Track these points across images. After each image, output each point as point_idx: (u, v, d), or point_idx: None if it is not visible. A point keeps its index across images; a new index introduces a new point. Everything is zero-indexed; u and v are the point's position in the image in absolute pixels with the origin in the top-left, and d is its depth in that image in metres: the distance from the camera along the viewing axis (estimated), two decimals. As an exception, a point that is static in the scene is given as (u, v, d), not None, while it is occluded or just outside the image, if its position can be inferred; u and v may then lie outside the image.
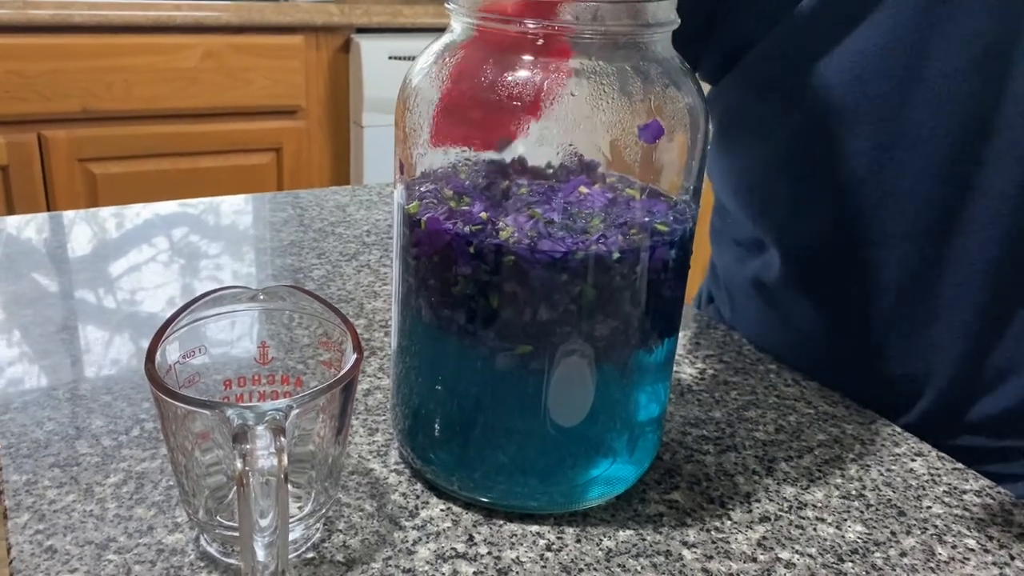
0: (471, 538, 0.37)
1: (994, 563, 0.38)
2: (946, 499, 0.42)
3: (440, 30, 0.38)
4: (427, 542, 0.37)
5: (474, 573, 0.35)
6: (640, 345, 0.37)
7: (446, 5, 0.36)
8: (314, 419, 0.35)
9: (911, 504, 0.42)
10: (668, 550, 0.37)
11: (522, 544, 0.37)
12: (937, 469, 0.45)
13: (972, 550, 0.39)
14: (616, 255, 0.34)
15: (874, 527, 0.40)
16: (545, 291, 0.34)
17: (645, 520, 0.39)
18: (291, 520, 0.35)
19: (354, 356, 0.34)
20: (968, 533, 0.40)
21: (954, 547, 0.39)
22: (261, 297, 0.38)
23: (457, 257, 0.35)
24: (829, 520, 0.40)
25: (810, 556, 0.38)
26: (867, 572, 0.37)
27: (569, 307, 0.35)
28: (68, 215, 0.71)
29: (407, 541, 0.37)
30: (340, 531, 0.37)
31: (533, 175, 0.36)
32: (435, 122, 0.35)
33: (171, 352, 0.36)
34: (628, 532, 0.38)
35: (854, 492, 0.42)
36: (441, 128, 0.35)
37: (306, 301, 0.38)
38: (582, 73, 0.34)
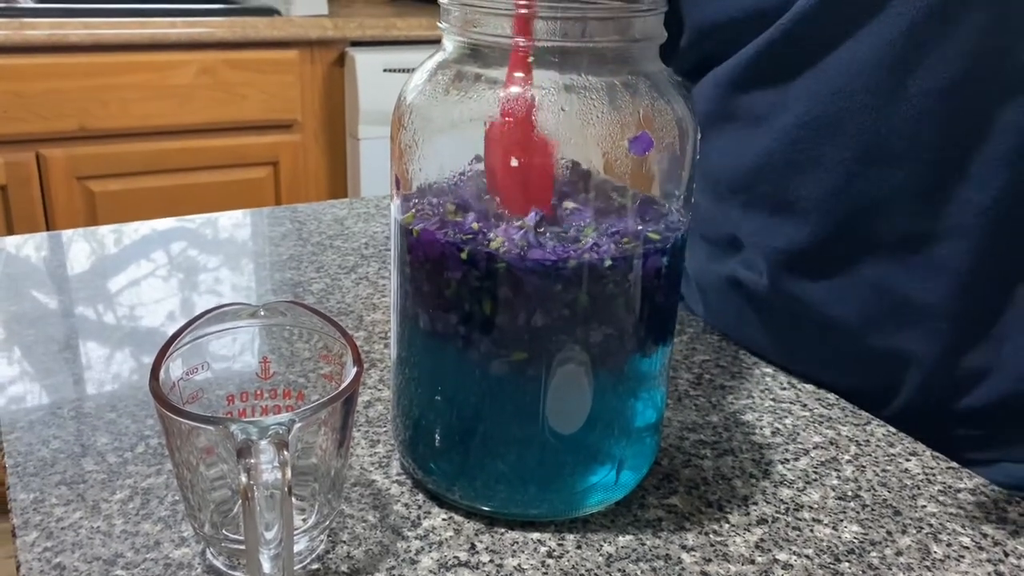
0: (473, 547, 0.38)
1: (988, 560, 0.39)
2: (941, 498, 0.43)
3: (434, 42, 0.38)
4: (430, 551, 0.37)
5: (477, 581, 0.36)
6: (635, 351, 0.38)
7: (438, 24, 0.37)
8: (316, 432, 0.36)
9: (906, 503, 0.42)
10: (667, 554, 0.38)
11: (523, 551, 0.38)
12: (932, 468, 0.45)
13: (967, 548, 0.39)
14: (608, 263, 0.35)
15: (870, 527, 0.40)
16: (539, 299, 0.35)
17: (644, 525, 0.40)
18: (295, 532, 0.36)
19: (354, 369, 0.35)
20: (963, 531, 0.40)
21: (949, 545, 0.39)
22: (262, 313, 0.39)
23: (451, 266, 0.35)
24: (825, 521, 0.41)
25: (807, 557, 0.38)
26: (863, 572, 0.38)
27: (563, 314, 0.35)
28: (67, 233, 0.72)
29: (410, 551, 0.37)
30: (344, 542, 0.38)
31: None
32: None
33: (174, 369, 0.37)
34: (628, 537, 0.39)
35: (850, 493, 0.43)
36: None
37: (306, 316, 0.39)
38: (572, 88, 0.34)
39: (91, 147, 1.59)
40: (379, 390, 0.50)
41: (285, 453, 0.31)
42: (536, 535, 0.39)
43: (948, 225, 0.46)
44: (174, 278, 0.64)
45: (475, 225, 0.35)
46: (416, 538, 0.38)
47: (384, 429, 0.46)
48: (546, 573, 0.36)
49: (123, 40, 1.54)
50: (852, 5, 0.44)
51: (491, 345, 0.36)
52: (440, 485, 0.40)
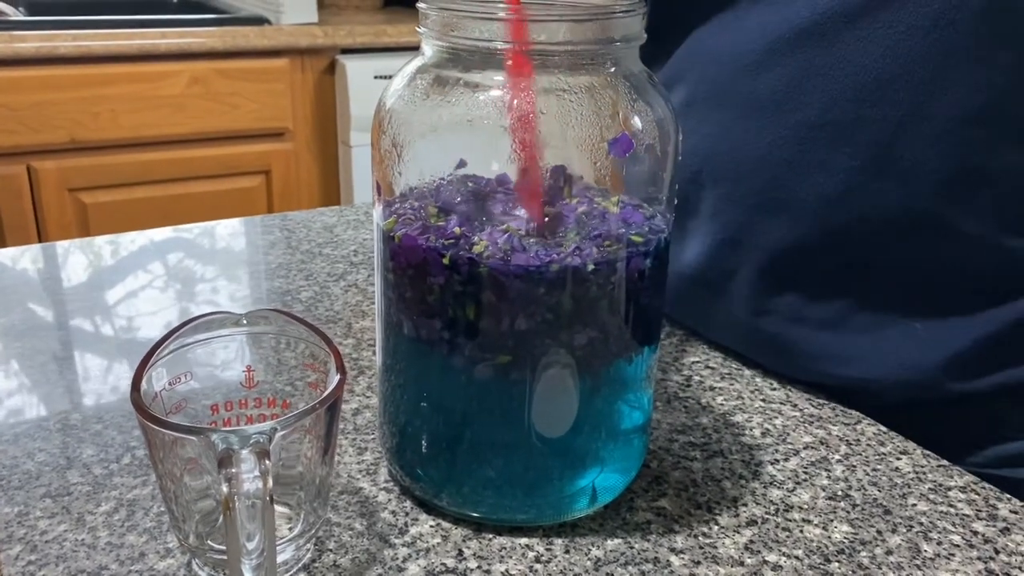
0: (460, 553, 0.38)
1: (979, 558, 0.38)
2: (931, 496, 0.43)
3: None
4: (417, 558, 0.37)
5: (464, 587, 0.36)
6: (620, 354, 0.38)
7: (417, 29, 0.37)
8: (300, 440, 0.35)
9: (896, 502, 0.42)
10: (656, 557, 0.38)
11: (511, 557, 0.38)
12: (922, 467, 0.45)
13: (957, 546, 0.39)
14: (591, 267, 0.35)
15: (860, 527, 0.40)
16: (522, 303, 0.35)
17: (633, 528, 0.40)
18: (281, 541, 0.36)
19: (337, 377, 0.35)
20: (953, 529, 0.40)
21: (939, 543, 0.39)
22: (244, 322, 0.38)
23: (433, 271, 0.35)
24: (815, 521, 0.40)
25: (796, 558, 0.38)
26: (853, 571, 0.37)
27: (547, 317, 0.35)
28: (62, 244, 0.72)
29: (397, 558, 0.37)
30: (330, 551, 0.38)
31: (511, 192, 0.37)
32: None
33: (157, 380, 0.36)
34: (616, 541, 0.39)
35: (840, 492, 0.43)
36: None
37: (291, 325, 0.39)
38: (551, 91, 0.34)
39: (82, 159, 1.59)
40: (367, 397, 0.50)
41: (266, 462, 0.30)
42: (524, 540, 0.39)
43: (943, 254, 0.46)
44: (161, 288, 0.64)
45: (457, 230, 0.35)
46: (403, 545, 0.38)
47: (372, 436, 0.46)
48: (534, 578, 0.36)
49: (113, 51, 1.54)
50: (896, 11, 0.44)
51: (475, 350, 0.36)
52: (427, 492, 0.40)
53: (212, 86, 1.65)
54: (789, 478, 0.44)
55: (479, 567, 0.37)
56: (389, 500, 0.41)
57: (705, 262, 0.54)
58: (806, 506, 0.42)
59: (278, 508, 0.38)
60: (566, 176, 0.37)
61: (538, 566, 0.37)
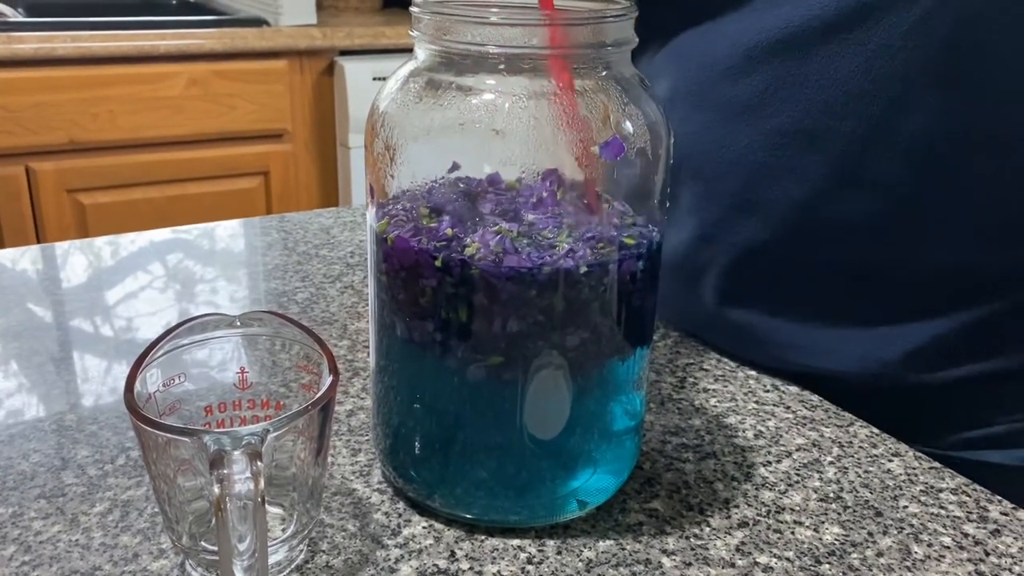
0: (453, 554, 0.38)
1: (969, 559, 0.39)
2: (923, 498, 0.43)
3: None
4: (409, 560, 0.37)
5: (456, 588, 0.36)
6: (612, 355, 0.38)
7: (410, 32, 0.37)
8: (294, 442, 0.36)
9: (888, 504, 0.42)
10: (648, 558, 0.38)
11: (503, 558, 0.38)
12: (914, 469, 0.45)
13: (948, 547, 0.39)
14: (583, 269, 0.35)
15: (851, 528, 0.40)
16: (514, 305, 0.35)
17: (625, 530, 0.40)
18: (274, 542, 0.36)
19: (330, 378, 0.35)
20: (944, 531, 0.40)
21: (930, 545, 0.39)
22: (238, 324, 0.39)
23: (426, 273, 0.35)
24: (807, 523, 0.41)
25: (788, 560, 0.38)
26: (844, 573, 0.37)
27: (539, 319, 0.35)
28: (61, 245, 0.72)
29: (389, 559, 0.37)
30: (323, 552, 0.38)
31: (503, 192, 0.37)
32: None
33: (151, 381, 0.37)
34: (608, 542, 0.39)
35: (832, 494, 0.43)
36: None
37: (285, 326, 0.39)
38: (542, 95, 0.35)
39: (81, 160, 1.59)
40: (362, 399, 0.50)
41: (258, 463, 0.31)
42: (516, 541, 0.39)
43: (901, 258, 0.47)
44: (160, 289, 0.64)
45: (449, 231, 0.35)
46: (396, 546, 0.38)
47: (366, 438, 0.46)
48: (526, 580, 0.36)
49: (112, 52, 1.55)
50: (867, 30, 0.44)
51: (468, 351, 0.36)
52: (420, 493, 0.40)
53: (211, 87, 1.65)
54: (781, 480, 0.44)
55: (471, 568, 0.37)
56: (382, 501, 0.41)
57: (681, 255, 0.55)
58: (798, 508, 0.42)
59: (271, 509, 0.38)
60: (558, 179, 0.37)
61: (530, 567, 0.37)
